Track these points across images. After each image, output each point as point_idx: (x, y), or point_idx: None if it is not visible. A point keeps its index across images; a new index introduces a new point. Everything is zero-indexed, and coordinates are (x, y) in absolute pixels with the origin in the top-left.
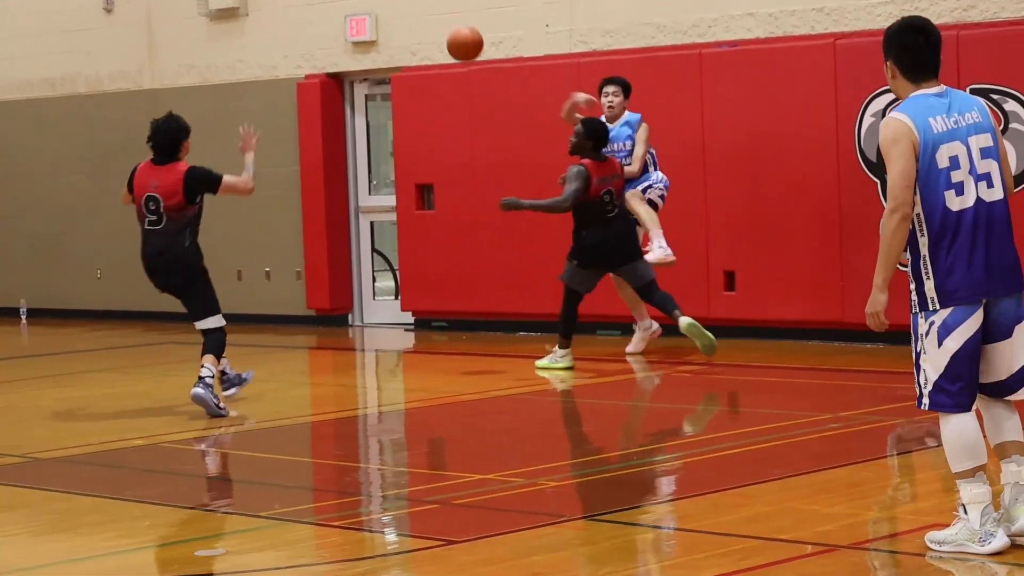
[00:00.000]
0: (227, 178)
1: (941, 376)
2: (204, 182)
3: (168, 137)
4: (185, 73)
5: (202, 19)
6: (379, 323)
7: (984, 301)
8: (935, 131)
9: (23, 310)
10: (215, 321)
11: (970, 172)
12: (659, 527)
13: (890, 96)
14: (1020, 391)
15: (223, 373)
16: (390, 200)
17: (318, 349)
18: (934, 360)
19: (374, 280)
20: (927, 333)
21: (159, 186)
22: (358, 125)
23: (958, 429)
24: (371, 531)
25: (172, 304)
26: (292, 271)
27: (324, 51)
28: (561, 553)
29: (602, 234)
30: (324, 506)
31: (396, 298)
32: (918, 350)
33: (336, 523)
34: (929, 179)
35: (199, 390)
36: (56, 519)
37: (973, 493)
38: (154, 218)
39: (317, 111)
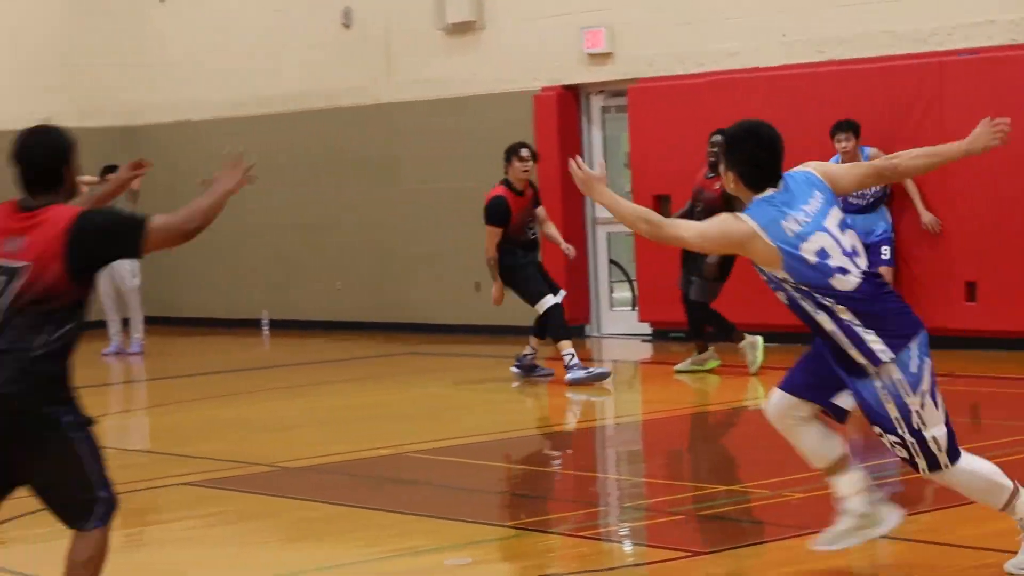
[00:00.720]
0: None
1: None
2: None
3: None
4: (421, 87)
5: (439, 33)
6: (616, 334)
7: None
8: (790, 234)
9: (265, 322)
10: (539, 306)
11: (844, 254)
12: (902, 539)
13: None
14: None
15: (523, 355)
16: None
17: (555, 360)
18: (930, 382)
19: (611, 291)
20: (905, 373)
21: None
22: (594, 137)
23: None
24: (614, 541)
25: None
26: None
27: (560, 63)
28: (809, 566)
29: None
30: (566, 516)
31: (633, 309)
32: (911, 407)
33: (581, 533)
34: (810, 278)
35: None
36: (305, 527)
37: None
38: None
39: (554, 124)
